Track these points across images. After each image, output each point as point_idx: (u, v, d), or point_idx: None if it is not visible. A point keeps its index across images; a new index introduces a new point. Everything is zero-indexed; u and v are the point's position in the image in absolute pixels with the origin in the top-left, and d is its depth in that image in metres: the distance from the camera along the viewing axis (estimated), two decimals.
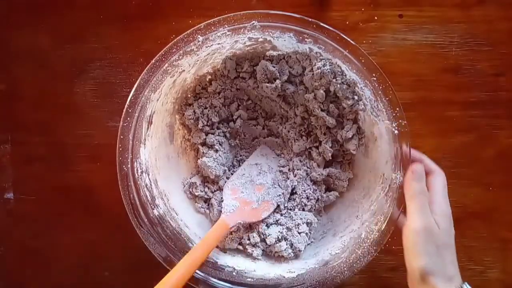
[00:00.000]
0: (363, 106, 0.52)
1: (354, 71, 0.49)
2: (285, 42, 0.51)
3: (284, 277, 0.51)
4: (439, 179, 0.47)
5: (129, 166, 0.50)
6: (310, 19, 0.47)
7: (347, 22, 0.59)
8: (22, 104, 0.63)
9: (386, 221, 0.48)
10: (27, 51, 0.63)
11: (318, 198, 0.57)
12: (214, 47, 0.51)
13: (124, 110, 0.49)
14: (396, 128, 0.47)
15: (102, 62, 0.61)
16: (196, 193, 0.58)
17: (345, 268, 0.49)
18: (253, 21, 0.48)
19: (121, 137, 0.49)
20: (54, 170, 0.63)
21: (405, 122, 0.47)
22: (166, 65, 0.49)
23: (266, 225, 0.56)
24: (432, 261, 0.44)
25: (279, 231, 0.55)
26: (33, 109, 0.63)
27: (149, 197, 0.52)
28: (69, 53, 0.62)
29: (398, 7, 0.58)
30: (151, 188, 0.53)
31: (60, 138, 0.63)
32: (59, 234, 0.64)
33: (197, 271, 0.49)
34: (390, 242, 0.49)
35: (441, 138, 0.60)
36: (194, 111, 0.57)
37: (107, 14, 0.61)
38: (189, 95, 0.58)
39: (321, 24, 0.47)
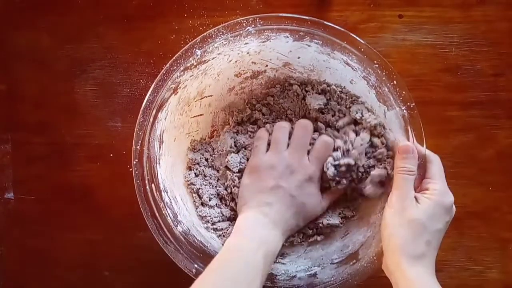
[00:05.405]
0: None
1: (355, 60, 0.49)
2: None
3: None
4: (432, 165, 0.47)
5: (147, 188, 0.49)
6: (306, 17, 0.47)
7: (347, 23, 0.59)
8: (22, 104, 0.63)
9: None
10: (27, 51, 0.63)
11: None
12: (214, 57, 0.51)
13: (135, 134, 0.49)
14: (405, 110, 0.47)
15: (102, 62, 0.61)
16: None
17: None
18: (248, 28, 0.48)
19: (136, 160, 0.49)
20: (55, 170, 0.63)
21: (413, 104, 0.47)
22: (170, 83, 0.49)
23: None
24: (397, 232, 0.43)
25: None
26: (33, 109, 0.63)
27: (171, 215, 0.51)
28: (69, 53, 0.62)
29: (398, 8, 0.58)
30: (172, 206, 0.53)
31: (60, 138, 0.63)
32: (59, 233, 0.64)
33: None
34: None
35: (441, 138, 0.60)
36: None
37: (107, 14, 0.61)
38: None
39: (317, 20, 0.47)
